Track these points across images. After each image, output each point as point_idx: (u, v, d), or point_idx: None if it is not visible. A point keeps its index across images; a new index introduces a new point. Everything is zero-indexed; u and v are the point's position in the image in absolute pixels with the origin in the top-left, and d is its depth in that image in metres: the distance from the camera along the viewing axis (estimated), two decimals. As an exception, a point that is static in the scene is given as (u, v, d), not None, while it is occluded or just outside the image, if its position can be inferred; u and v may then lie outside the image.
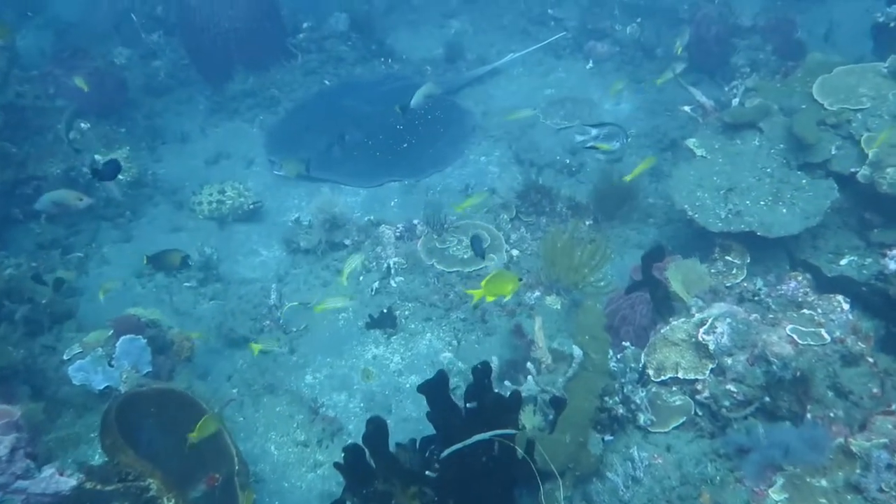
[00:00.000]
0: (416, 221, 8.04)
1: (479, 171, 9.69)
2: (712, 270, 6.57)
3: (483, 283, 5.26)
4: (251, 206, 9.01)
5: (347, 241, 8.01)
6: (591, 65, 11.46)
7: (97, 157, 9.05)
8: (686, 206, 6.73)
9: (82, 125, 9.41)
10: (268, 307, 7.27)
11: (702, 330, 5.19)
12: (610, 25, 11.69)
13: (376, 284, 7.46)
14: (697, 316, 5.40)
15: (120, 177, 8.02)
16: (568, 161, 9.49)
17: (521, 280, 5.36)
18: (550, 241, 6.96)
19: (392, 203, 9.30)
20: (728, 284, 6.39)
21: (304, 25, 12.00)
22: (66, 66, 10.08)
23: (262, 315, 7.30)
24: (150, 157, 10.39)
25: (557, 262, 6.94)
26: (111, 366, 5.89)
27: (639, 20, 11.71)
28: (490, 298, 5.33)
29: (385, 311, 7.06)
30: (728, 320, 5.15)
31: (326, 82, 11.46)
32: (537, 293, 7.20)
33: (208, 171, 10.16)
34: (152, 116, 11.09)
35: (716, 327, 5.15)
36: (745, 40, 10.32)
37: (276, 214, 9.34)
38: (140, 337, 6.03)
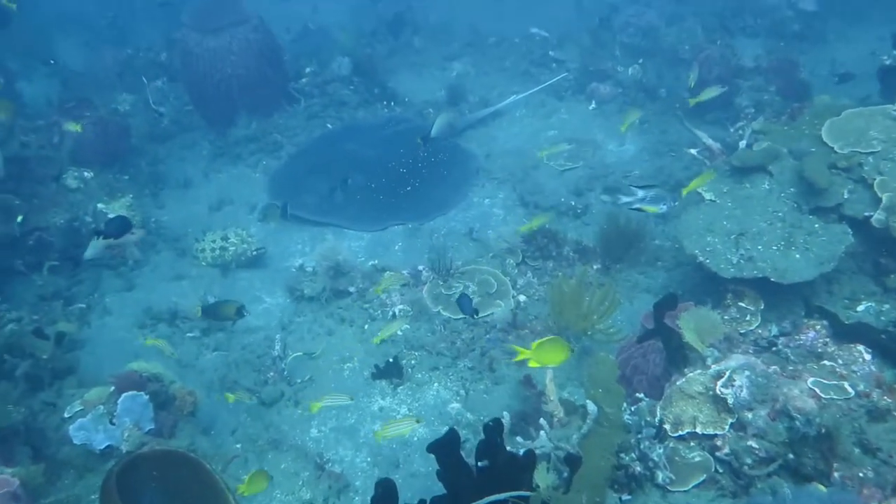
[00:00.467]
0: (421, 267, 7.90)
1: (484, 214, 9.57)
2: (725, 317, 6.39)
3: (534, 345, 5.10)
4: (254, 253, 8.87)
5: (352, 289, 7.85)
6: (593, 106, 11.40)
7: (100, 206, 8.95)
8: (696, 252, 6.58)
9: (85, 174, 9.29)
10: (272, 358, 7.08)
11: (720, 383, 5.01)
12: (612, 67, 11.65)
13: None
14: (714, 367, 5.21)
15: (133, 232, 7.87)
16: (573, 203, 9.36)
17: (572, 350, 5.19)
18: (557, 288, 6.80)
19: (396, 247, 9.16)
20: (742, 331, 6.23)
21: (307, 70, 11.98)
22: (71, 116, 10.01)
23: (265, 366, 7.11)
24: (153, 204, 10.27)
25: (565, 310, 6.77)
26: (113, 424, 5.69)
27: (640, 61, 11.68)
28: (534, 365, 5.13)
29: (391, 360, 6.87)
30: (747, 373, 4.96)
31: (329, 126, 11.38)
32: (546, 341, 7.01)
33: (211, 218, 10.03)
34: (156, 163, 10.98)
35: (734, 380, 4.96)
36: (749, 81, 10.24)
37: (280, 260, 9.20)
38: (142, 393, 5.84)
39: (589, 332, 6.78)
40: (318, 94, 11.70)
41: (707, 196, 7.03)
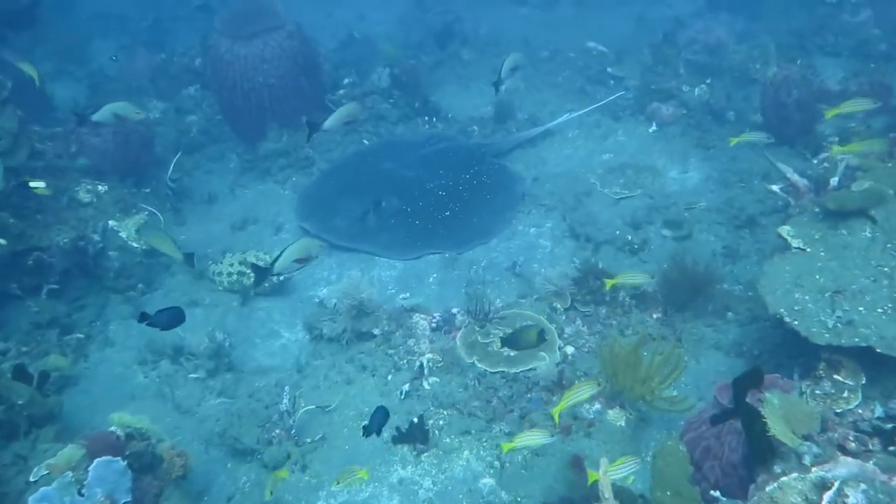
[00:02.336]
0: (455, 310, 6.85)
1: (529, 245, 8.51)
2: (817, 391, 5.22)
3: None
4: (276, 279, 7.92)
5: (376, 331, 6.84)
6: (654, 128, 10.23)
7: (112, 223, 8.10)
8: (782, 311, 5.41)
9: (99, 188, 8.46)
10: (279, 413, 6.08)
11: (826, 497, 3.85)
12: (676, 86, 10.46)
13: (406, 387, 6.25)
14: (816, 472, 4.05)
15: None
16: (629, 237, 8.25)
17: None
18: (610, 348, 5.70)
19: (430, 279, 8.15)
20: (838, 411, 5.05)
21: (345, 81, 11.03)
22: (91, 124, 9.20)
23: (272, 422, 6.12)
24: (174, 220, 9.42)
25: (620, 373, 5.67)
26: (81, 495, 4.75)
27: (708, 81, 10.48)
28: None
29: (415, 420, 5.83)
30: (863, 486, 3.80)
31: (365, 142, 10.43)
32: (597, 405, 5.92)
33: (233, 237, 9.14)
34: (180, 176, 10.16)
35: (846, 496, 3.80)
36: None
37: (303, 288, 8.25)
38: (118, 459, 4.88)
39: (648, 399, 5.66)
40: (356, 107, 10.74)
41: (794, 243, 5.86)
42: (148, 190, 9.50)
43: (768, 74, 9.33)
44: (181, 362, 6.93)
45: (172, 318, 5.45)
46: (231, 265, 7.95)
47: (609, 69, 11.32)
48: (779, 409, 4.50)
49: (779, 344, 6.14)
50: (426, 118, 10.70)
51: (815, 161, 8.08)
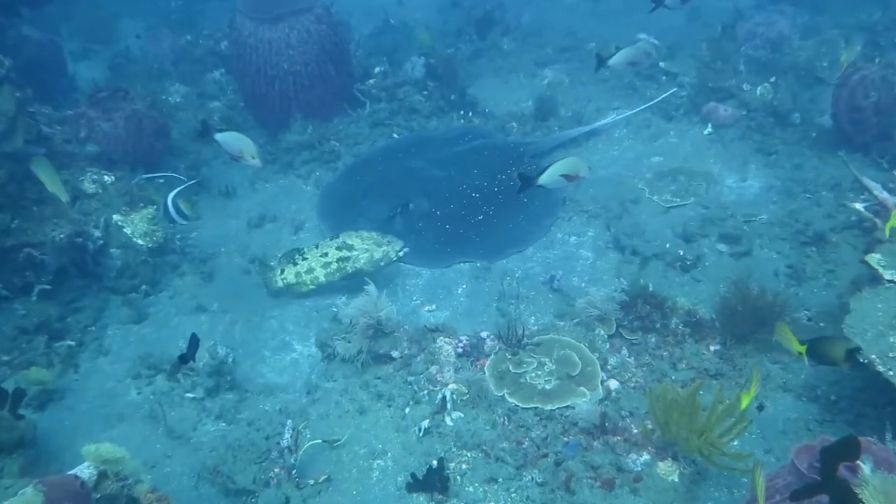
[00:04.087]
0: (484, 334, 5.99)
1: (568, 256, 7.64)
2: (914, 459, 4.28)
3: None
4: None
5: (395, 354, 6.01)
6: (709, 130, 9.23)
7: (117, 217, 7.39)
8: (874, 358, 4.48)
9: (105, 178, 7.75)
10: (280, 449, 5.29)
11: None
12: (736, 84, 9.44)
13: (426, 423, 5.40)
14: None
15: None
16: (681, 252, 7.32)
17: None
18: (661, 395, 4.81)
19: (459, 290, 7.34)
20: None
21: (377, 70, 10.18)
22: (102, 108, 8.52)
23: (271, 459, 5.34)
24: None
25: (674, 422, 4.78)
26: (35, 552, 4.01)
27: (773, 79, 9.45)
28: None
29: (434, 464, 5.01)
30: None
31: (395, 136, 9.59)
32: (645, 455, 5.04)
33: (250, 236, 8.42)
34: (198, 165, 9.44)
35: None
36: (918, 111, 7.93)
37: (321, 296, 7.48)
38: (81, 509, 4.14)
39: (706, 452, 4.77)
40: (386, 99, 9.89)
41: (887, 275, 4.90)
42: (162, 180, 8.77)
43: (843, 67, 8.32)
44: (178, 378, 6.19)
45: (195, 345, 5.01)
46: (325, 255, 7.08)
47: (661, 64, 10.31)
48: (879, 491, 3.59)
49: (860, 389, 5.21)
50: (461, 112, 9.82)
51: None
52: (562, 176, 6.01)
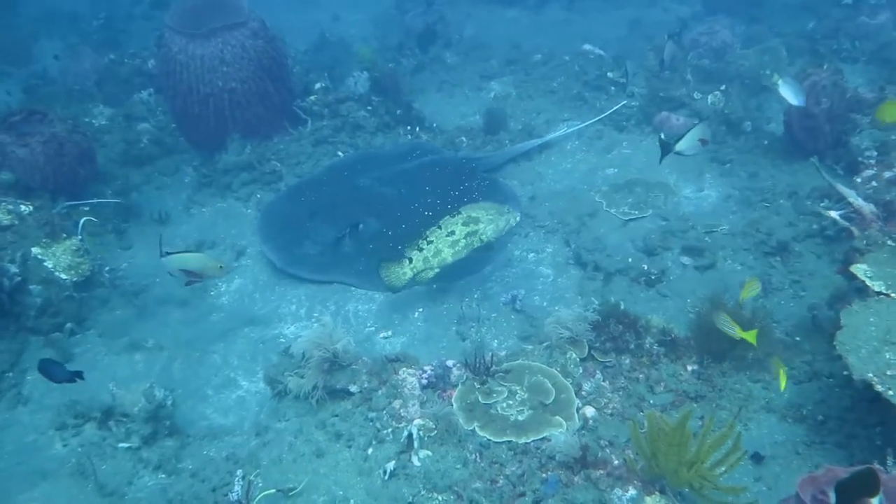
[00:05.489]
0: (450, 363, 5.53)
1: (528, 274, 7.28)
2: (919, 481, 4.00)
3: None
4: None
5: (354, 388, 5.49)
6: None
7: (36, 250, 6.71)
8: (871, 377, 4.19)
9: (22, 208, 7.06)
10: (228, 503, 4.73)
11: None
12: (686, 93, 9.27)
13: (391, 464, 4.90)
14: None
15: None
16: (645, 266, 7.04)
17: None
18: (648, 425, 4.45)
19: (415, 314, 6.91)
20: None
21: (317, 86, 9.69)
22: (16, 133, 7.81)
23: (220, 515, 4.79)
24: (117, 244, 8.07)
25: (661, 455, 4.41)
26: None
27: (723, 87, 9.31)
28: None
29: (402, 511, 4.53)
30: None
31: (340, 154, 9.10)
32: (631, 490, 4.64)
33: (187, 264, 7.79)
34: (127, 191, 8.78)
35: None
36: (869, 117, 7.84)
37: (267, 326, 6.98)
38: None
39: (696, 486, 4.41)
40: (329, 115, 9.40)
41: (875, 286, 4.65)
42: (87, 208, 8.08)
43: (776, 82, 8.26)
44: (110, 427, 5.55)
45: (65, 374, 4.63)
46: (452, 233, 6.52)
47: (610, 74, 10.10)
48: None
49: (848, 408, 4.94)
50: (409, 127, 9.39)
51: (859, 180, 6.90)
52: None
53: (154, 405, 5.51)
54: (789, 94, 6.69)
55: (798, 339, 5.83)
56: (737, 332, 4.95)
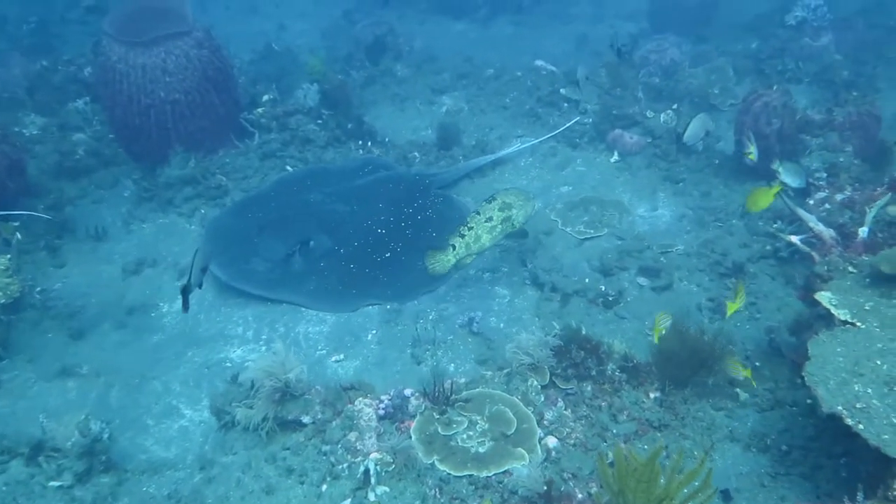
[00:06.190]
0: (408, 391, 5.27)
1: (483, 294, 7.09)
2: (889, 513, 3.93)
3: None
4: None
5: (306, 419, 5.19)
6: (616, 158, 8.97)
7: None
8: (841, 410, 4.09)
9: (-57, 225, 6.56)
10: (172, 552, 4.39)
11: None
12: (639, 111, 9.24)
13: (347, 502, 4.63)
14: None
15: None
16: (602, 287, 6.92)
17: None
18: (615, 460, 4.26)
19: (369, 336, 6.65)
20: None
21: (265, 98, 9.34)
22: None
23: (161, 564, 4.43)
24: (50, 262, 7.59)
25: (629, 491, 4.23)
26: None
27: (675, 106, 9.31)
28: None
29: (361, 554, 4.25)
30: None
31: (289, 168, 8.77)
32: (598, 526, 4.47)
33: (126, 283, 7.40)
34: (61, 205, 8.28)
35: None
36: (818, 138, 7.89)
37: (212, 349, 6.61)
38: None
39: (665, 521, 4.24)
40: (277, 129, 9.07)
41: (840, 314, 4.57)
42: (17, 223, 7.57)
43: (740, 99, 8.30)
44: (40, 463, 5.12)
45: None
46: (490, 219, 6.43)
47: (562, 90, 10.01)
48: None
49: (813, 438, 4.86)
50: (360, 142, 9.12)
51: (812, 202, 6.91)
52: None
53: (89, 439, 5.11)
54: (789, 178, 6.70)
55: (758, 363, 5.76)
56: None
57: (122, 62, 7.96)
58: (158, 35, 8.04)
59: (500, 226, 6.53)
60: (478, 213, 6.49)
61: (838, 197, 6.75)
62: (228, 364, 6.40)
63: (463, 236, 6.47)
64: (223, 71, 8.57)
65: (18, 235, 7.19)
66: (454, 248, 6.48)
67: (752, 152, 7.05)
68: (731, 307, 5.13)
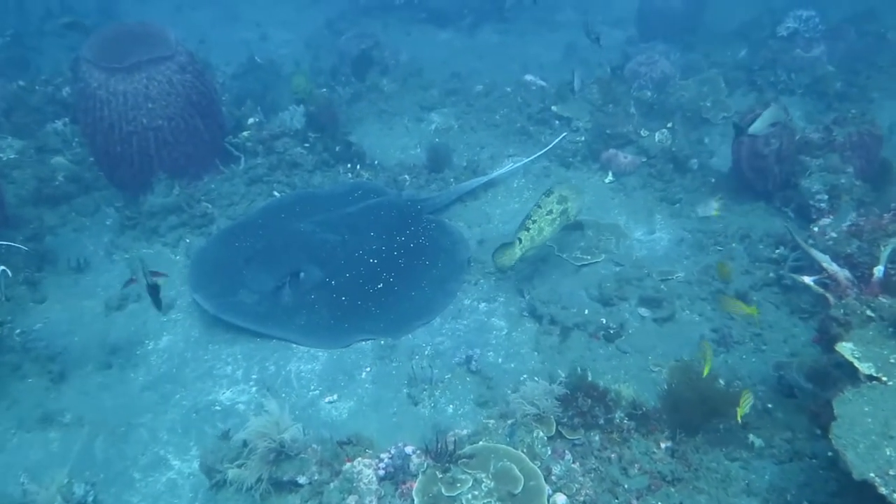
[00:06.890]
0: (409, 449, 4.95)
1: (480, 326, 6.79)
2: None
3: None
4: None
5: (302, 480, 4.87)
6: (610, 178, 8.69)
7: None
8: (874, 477, 3.83)
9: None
10: None
11: None
12: (633, 130, 8.95)
13: (349, 577, 4.33)
14: None
15: None
16: (603, 320, 6.63)
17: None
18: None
19: (363, 374, 6.34)
20: None
21: (250, 121, 8.94)
22: None
23: None
24: (29, 296, 7.20)
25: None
26: None
27: (670, 125, 9.03)
28: None
29: None
30: None
31: (276, 194, 8.41)
32: None
33: (109, 320, 7.02)
34: (41, 234, 7.88)
35: None
36: (818, 159, 7.64)
37: (200, 391, 6.27)
38: None
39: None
40: (264, 152, 8.69)
41: (865, 369, 4.30)
42: (-2, 263, 7.16)
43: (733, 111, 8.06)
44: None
45: None
46: (550, 212, 6.66)
47: (554, 108, 9.69)
48: None
49: (835, 493, 4.60)
50: (349, 165, 8.75)
51: (816, 229, 6.66)
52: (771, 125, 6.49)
53: (74, 502, 4.76)
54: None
55: (770, 405, 5.49)
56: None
57: (103, 89, 7.54)
58: (140, 60, 7.63)
59: (559, 218, 6.69)
60: (539, 207, 6.63)
61: (843, 225, 6.48)
62: (217, 408, 6.07)
63: (528, 229, 6.60)
64: (207, 95, 8.16)
65: (9, 273, 6.75)
66: (520, 241, 6.60)
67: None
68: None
